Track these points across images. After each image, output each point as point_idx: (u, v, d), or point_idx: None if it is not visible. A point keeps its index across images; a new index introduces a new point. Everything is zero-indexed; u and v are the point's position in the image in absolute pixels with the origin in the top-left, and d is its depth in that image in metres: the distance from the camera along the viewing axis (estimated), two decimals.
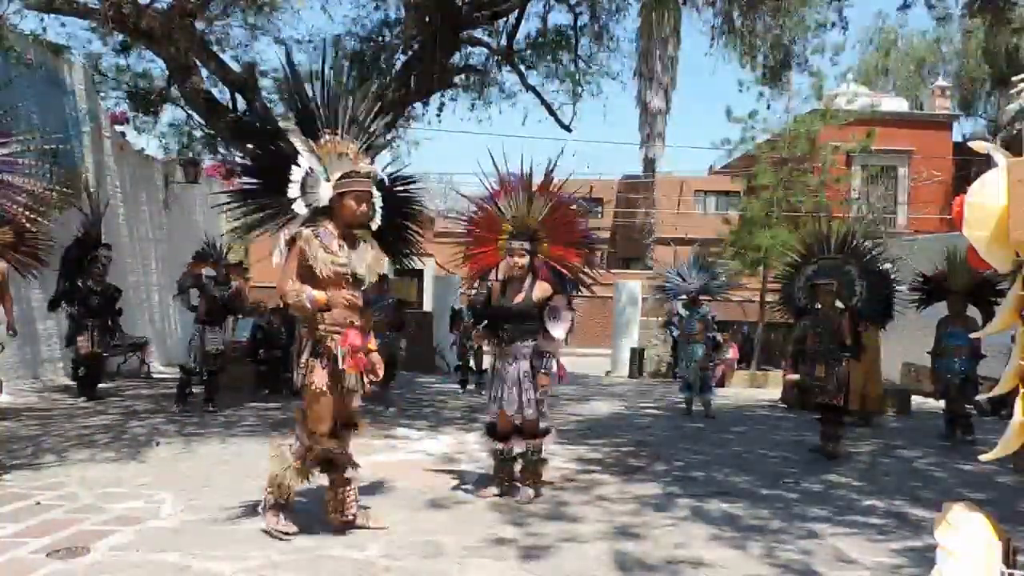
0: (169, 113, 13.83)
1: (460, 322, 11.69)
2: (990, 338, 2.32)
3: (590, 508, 4.72)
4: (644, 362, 15.84)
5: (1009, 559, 1.78)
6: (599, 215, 29.95)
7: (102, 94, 12.66)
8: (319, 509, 4.07)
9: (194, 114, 12.42)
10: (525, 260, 4.83)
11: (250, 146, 4.24)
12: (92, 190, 10.19)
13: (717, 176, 30.20)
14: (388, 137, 5.91)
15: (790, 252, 9.12)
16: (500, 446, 4.94)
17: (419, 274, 23.19)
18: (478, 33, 12.36)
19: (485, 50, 12.71)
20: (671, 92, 26.37)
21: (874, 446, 7.53)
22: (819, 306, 7.01)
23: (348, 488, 4.03)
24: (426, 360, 14.91)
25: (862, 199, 22.12)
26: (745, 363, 15.61)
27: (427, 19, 10.61)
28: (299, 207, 3.89)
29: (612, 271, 19.12)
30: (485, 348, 4.93)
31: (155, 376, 11.54)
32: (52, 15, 10.14)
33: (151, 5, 9.52)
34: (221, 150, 13.64)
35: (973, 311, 7.85)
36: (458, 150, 71.70)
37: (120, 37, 11.40)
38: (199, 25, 10.22)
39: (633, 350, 16.01)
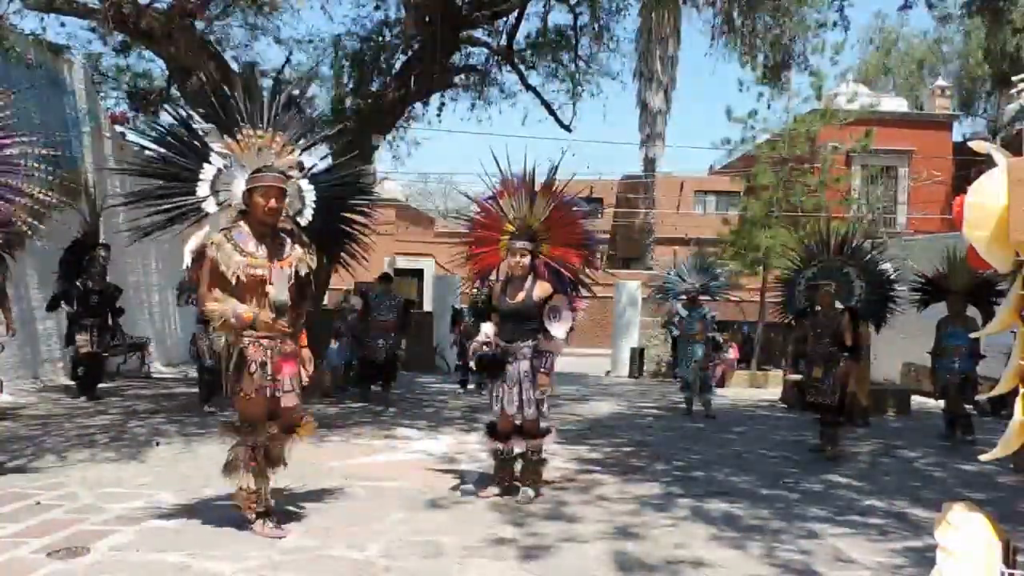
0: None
1: (460, 322, 11.71)
2: (990, 338, 2.32)
3: (590, 508, 4.72)
4: (644, 362, 15.85)
5: (1009, 559, 1.78)
6: (599, 215, 29.96)
7: (102, 94, 12.65)
8: (318, 509, 4.06)
9: (194, 114, 12.38)
10: (527, 260, 4.84)
11: (153, 145, 4.13)
12: (91, 190, 10.18)
13: (717, 176, 30.23)
14: (321, 131, 5.78)
15: (791, 256, 9.11)
16: (500, 446, 4.95)
17: (419, 274, 23.21)
18: (478, 33, 12.36)
19: (485, 50, 12.72)
20: (671, 92, 26.41)
21: (874, 446, 7.53)
22: (818, 307, 7.02)
23: (265, 484, 3.95)
24: (426, 360, 14.92)
25: (862, 199, 22.11)
26: (745, 363, 15.60)
27: (427, 19, 10.61)
28: (209, 206, 3.80)
29: (612, 271, 19.13)
30: (485, 348, 4.89)
31: (155, 376, 11.52)
32: (52, 15, 10.15)
33: (151, 5, 9.52)
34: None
35: (973, 311, 7.84)
36: (458, 150, 71.83)
37: (120, 37, 11.39)
38: (199, 25, 10.21)
39: (633, 350, 16.01)
